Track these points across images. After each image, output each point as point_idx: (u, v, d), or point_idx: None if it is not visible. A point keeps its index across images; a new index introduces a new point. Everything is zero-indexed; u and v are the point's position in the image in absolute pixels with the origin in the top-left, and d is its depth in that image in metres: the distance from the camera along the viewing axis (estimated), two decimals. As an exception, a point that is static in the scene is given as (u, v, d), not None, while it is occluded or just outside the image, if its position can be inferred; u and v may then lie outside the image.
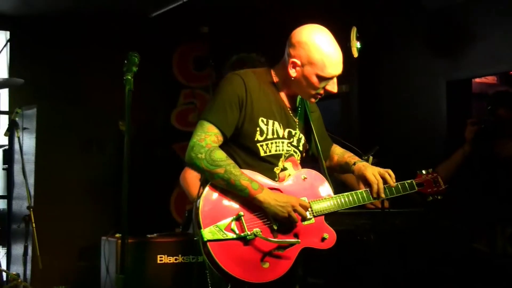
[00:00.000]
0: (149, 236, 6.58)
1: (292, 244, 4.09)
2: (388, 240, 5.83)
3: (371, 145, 5.64)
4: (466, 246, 6.15)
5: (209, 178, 4.04)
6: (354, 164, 4.50)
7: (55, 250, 7.66)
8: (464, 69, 7.85)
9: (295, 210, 4.01)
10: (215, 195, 4.05)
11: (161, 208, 10.01)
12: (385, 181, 4.34)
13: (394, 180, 4.36)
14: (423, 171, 4.53)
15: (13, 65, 9.54)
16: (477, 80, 8.54)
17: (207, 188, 4.04)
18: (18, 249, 8.07)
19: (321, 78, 4.18)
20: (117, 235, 6.63)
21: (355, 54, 7.97)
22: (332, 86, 4.27)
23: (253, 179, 4.02)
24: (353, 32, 8.02)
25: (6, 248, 8.61)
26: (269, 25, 8.78)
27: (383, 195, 4.32)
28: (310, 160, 4.53)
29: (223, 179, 3.98)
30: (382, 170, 4.39)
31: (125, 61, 4.17)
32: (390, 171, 4.40)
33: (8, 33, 9.76)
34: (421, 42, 8.20)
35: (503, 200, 6.02)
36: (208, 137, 4.03)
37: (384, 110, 8.76)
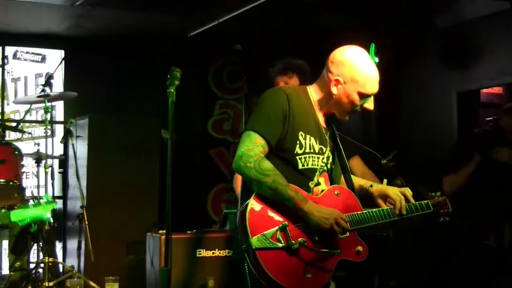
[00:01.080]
0: (189, 232, 6.59)
1: (331, 255, 3.97)
2: (405, 236, 5.81)
3: (388, 150, 5.61)
4: (477, 242, 6.11)
5: (256, 187, 3.91)
6: (371, 186, 4.39)
7: (105, 245, 7.71)
8: (473, 81, 7.83)
9: (337, 223, 3.90)
10: (261, 205, 3.91)
11: (199, 207, 10.04)
12: (406, 199, 4.24)
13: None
14: (432, 193, 4.42)
15: (67, 80, 9.65)
16: (485, 90, 8.49)
17: (252, 198, 3.92)
18: (72, 244, 8.14)
19: (362, 95, 4.07)
20: (161, 231, 6.65)
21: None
22: (370, 104, 4.16)
23: (298, 190, 3.90)
24: (371, 48, 7.99)
25: (62, 243, 8.68)
26: (295, 42, 8.79)
27: (404, 212, 4.21)
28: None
29: (270, 188, 3.85)
30: (402, 188, 4.29)
31: (168, 76, 4.17)
32: (408, 189, 4.30)
33: (63, 52, 9.86)
34: (434, 57, 8.18)
35: (509, 200, 5.99)
36: (256, 148, 3.90)
37: (400, 119, 8.74)
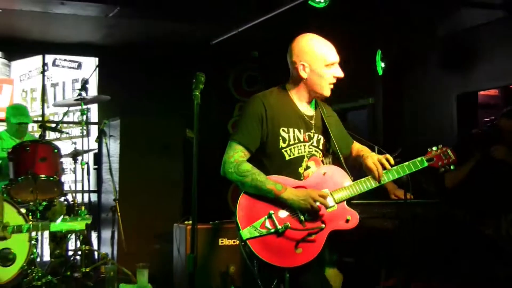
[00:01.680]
0: (212, 223, 6.62)
1: (320, 229, 4.07)
2: (409, 225, 5.78)
3: (393, 147, 5.58)
4: (476, 232, 6.09)
5: (241, 187, 4.10)
6: (363, 156, 4.39)
7: (136, 235, 7.76)
8: (471, 84, 7.84)
9: (316, 201, 4.00)
10: (248, 201, 4.08)
11: (220, 200, 10.05)
12: (384, 167, 4.20)
13: (392, 163, 4.22)
14: (433, 148, 4.32)
15: (101, 85, 9.71)
16: (482, 92, 8.46)
17: (240, 197, 4.09)
18: (106, 234, 8.21)
19: (328, 66, 4.19)
20: (186, 222, 6.69)
21: (380, 72, 7.95)
22: (338, 72, 4.23)
23: (277, 181, 4.05)
24: (378, 54, 8.00)
25: (97, 233, 8.73)
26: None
27: (384, 179, 4.20)
28: (331, 156, 4.48)
29: (251, 186, 4.03)
30: (380, 156, 4.27)
31: (193, 80, 4.20)
32: (388, 155, 4.26)
33: (97, 59, 9.96)
34: (436, 61, 8.18)
35: (505, 193, 5.98)
36: (235, 154, 4.11)
37: (404, 118, 8.73)
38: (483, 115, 8.10)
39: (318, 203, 4.03)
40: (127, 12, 7.90)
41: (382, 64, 7.98)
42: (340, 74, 4.25)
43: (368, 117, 9.05)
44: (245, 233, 3.98)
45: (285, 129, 4.19)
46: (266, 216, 4.00)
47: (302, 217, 4.04)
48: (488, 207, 6.06)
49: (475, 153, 6.10)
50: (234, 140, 4.17)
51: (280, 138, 4.17)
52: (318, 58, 4.20)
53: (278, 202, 4.04)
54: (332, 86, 4.26)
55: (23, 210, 6.09)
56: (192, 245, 4.17)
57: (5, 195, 6.67)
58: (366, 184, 4.23)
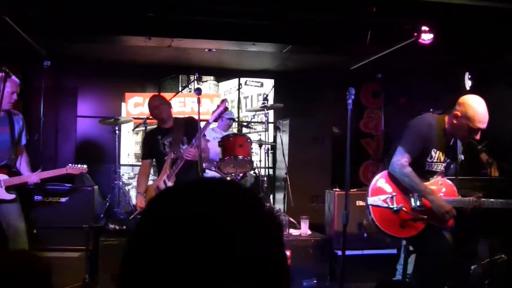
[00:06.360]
0: (351, 190, 6.60)
1: (422, 219, 4.03)
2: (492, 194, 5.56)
3: (480, 140, 5.39)
4: None
5: (401, 181, 4.03)
6: None
7: (299, 196, 7.79)
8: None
9: (447, 213, 3.94)
10: (381, 180, 4.10)
11: (355, 174, 9.97)
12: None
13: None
14: None
15: (276, 97, 9.84)
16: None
17: (381, 174, 4.14)
18: (279, 196, 8.36)
19: (470, 130, 4.03)
20: (334, 189, 6.71)
21: (467, 87, 7.70)
22: (476, 136, 4.09)
23: (426, 186, 4.01)
24: (466, 76, 7.74)
25: (272, 195, 8.90)
26: (416, 75, 8.56)
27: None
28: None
29: (407, 183, 3.99)
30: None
31: (347, 93, 4.29)
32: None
33: (273, 80, 10.09)
34: (504, 80, 7.84)
35: None
36: (402, 159, 4.02)
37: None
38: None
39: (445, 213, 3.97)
40: (295, 50, 8.00)
41: (469, 82, 7.73)
42: (477, 137, 4.12)
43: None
44: (371, 199, 4.03)
45: (435, 150, 4.14)
46: (389, 195, 4.02)
47: (414, 204, 4.02)
48: None
49: None
50: (404, 147, 4.08)
51: (430, 154, 4.13)
52: (468, 119, 4.02)
53: (400, 187, 4.02)
54: (467, 139, 4.19)
55: (228, 178, 6.37)
56: (346, 204, 4.26)
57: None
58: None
